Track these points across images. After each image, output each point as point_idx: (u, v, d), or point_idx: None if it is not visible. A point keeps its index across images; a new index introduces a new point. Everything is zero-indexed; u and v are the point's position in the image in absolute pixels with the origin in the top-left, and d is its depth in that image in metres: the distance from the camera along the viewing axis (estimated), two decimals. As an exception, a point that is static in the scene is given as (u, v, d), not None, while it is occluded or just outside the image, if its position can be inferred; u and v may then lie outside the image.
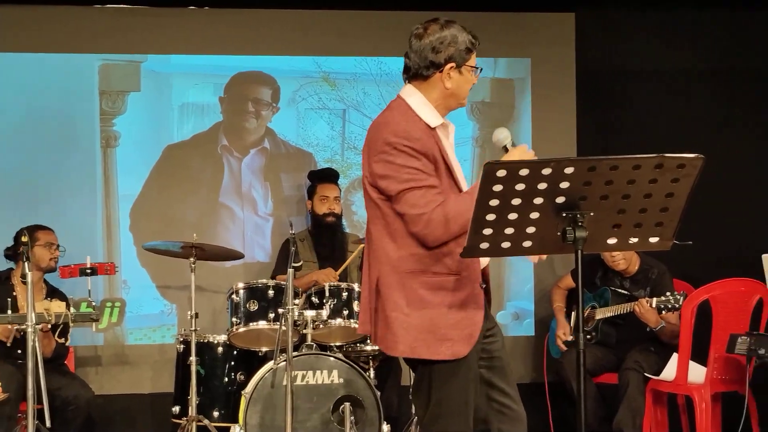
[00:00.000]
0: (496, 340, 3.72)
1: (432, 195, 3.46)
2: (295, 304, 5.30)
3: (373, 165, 3.53)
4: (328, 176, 6.71)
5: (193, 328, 5.88)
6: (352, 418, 5.34)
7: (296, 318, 5.35)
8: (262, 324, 5.78)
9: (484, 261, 3.64)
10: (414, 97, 3.59)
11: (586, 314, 6.34)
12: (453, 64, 3.56)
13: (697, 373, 5.80)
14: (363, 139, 3.66)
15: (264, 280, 5.96)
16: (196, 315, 5.91)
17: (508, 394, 3.70)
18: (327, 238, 6.62)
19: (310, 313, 5.55)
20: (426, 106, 3.57)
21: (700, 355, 5.81)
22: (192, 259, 5.98)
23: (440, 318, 3.50)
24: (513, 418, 3.70)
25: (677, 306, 5.84)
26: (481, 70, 3.66)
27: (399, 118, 3.53)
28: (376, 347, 5.87)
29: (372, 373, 5.85)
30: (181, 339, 6.10)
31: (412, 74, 3.61)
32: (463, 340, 3.52)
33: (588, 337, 6.26)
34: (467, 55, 3.58)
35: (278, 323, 5.41)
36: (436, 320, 3.50)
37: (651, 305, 5.94)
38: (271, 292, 5.80)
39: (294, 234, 5.59)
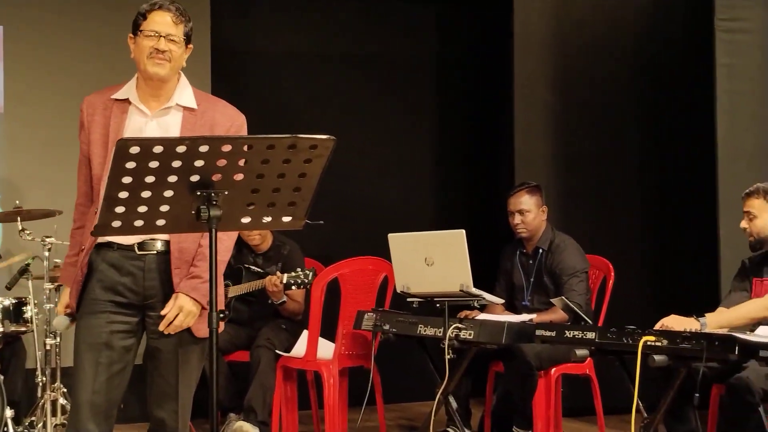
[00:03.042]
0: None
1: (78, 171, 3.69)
2: None
3: None
4: None
5: None
6: (-28, 404, 5.08)
7: None
8: None
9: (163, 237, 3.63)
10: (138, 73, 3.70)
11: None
12: (131, 36, 3.66)
13: (326, 349, 5.95)
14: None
15: None
16: None
17: (163, 376, 3.69)
18: None
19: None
20: (132, 80, 3.68)
21: (328, 331, 5.96)
22: None
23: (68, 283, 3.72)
24: (161, 403, 3.71)
25: (306, 281, 5.95)
26: (155, 33, 3.61)
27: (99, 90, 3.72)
28: (0, 329, 5.64)
29: (-5, 356, 5.61)
30: None
31: None
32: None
33: (221, 315, 6.26)
34: (139, 22, 3.62)
35: None
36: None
37: (281, 281, 6.03)
38: None
39: None
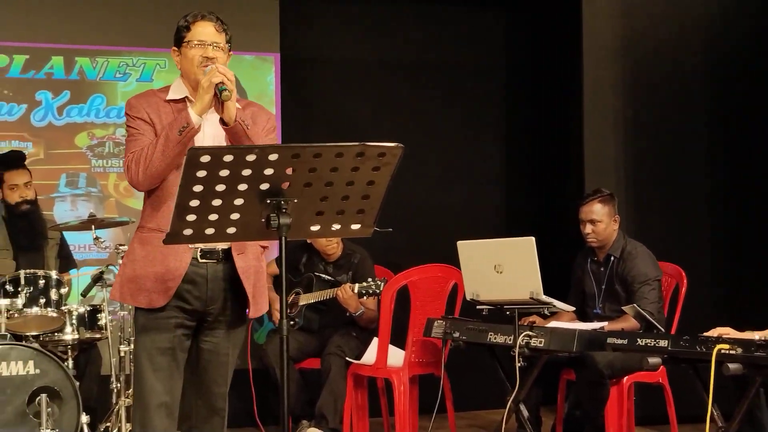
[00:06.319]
0: (221, 322, 3.82)
1: (132, 145, 3.70)
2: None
3: None
4: (14, 161, 6.31)
5: None
6: (49, 409, 5.15)
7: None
8: (-50, 314, 5.47)
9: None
10: (178, 78, 3.86)
11: (290, 300, 6.39)
12: (175, 48, 3.82)
13: (396, 356, 5.95)
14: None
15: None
16: None
17: (208, 373, 3.86)
18: (24, 226, 6.29)
19: (3, 302, 5.31)
20: (179, 84, 3.83)
21: (399, 339, 5.97)
22: None
23: (142, 269, 3.71)
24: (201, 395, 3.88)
25: (378, 292, 5.98)
26: (200, 42, 3.76)
27: (141, 92, 3.84)
28: (76, 336, 5.71)
29: (71, 363, 5.67)
30: None
31: None
32: (159, 292, 3.69)
33: (291, 323, 6.30)
34: (183, 35, 3.79)
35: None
36: (139, 271, 3.72)
37: (353, 291, 6.05)
38: (-38, 281, 5.50)
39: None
